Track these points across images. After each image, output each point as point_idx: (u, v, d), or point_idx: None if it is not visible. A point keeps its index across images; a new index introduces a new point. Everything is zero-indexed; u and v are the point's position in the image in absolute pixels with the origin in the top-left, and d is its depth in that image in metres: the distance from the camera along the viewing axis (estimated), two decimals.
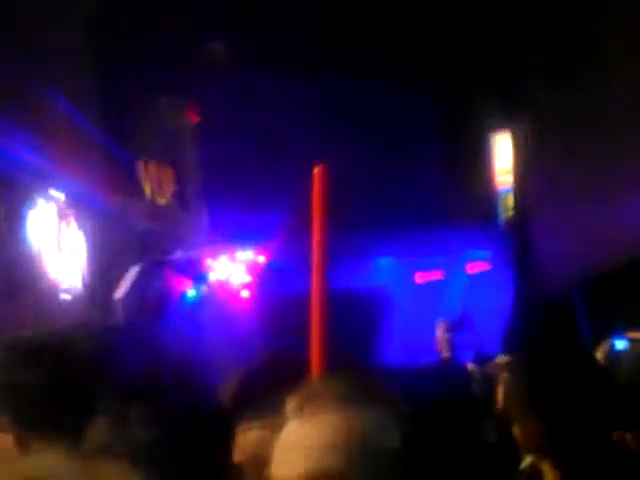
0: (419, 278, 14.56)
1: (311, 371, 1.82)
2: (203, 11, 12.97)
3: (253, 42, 13.04)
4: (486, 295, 13.31)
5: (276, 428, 1.41)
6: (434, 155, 14.28)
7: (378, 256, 14.47)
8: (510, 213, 13.99)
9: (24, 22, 9.88)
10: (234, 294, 13.26)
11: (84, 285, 11.04)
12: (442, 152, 14.37)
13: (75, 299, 10.74)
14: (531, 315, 12.50)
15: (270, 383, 2.29)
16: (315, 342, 1.82)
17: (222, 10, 13.03)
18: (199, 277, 13.04)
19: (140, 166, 12.78)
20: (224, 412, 2.08)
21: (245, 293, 13.37)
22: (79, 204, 10.94)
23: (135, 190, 12.58)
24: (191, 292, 13.00)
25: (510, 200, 14.00)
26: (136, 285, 11.16)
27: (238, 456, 2.14)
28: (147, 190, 12.94)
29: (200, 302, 12.95)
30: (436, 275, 14.54)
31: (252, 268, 13.40)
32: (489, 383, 5.86)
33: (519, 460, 3.33)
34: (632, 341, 5.49)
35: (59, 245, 10.56)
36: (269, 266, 13.44)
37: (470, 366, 6.73)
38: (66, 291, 10.67)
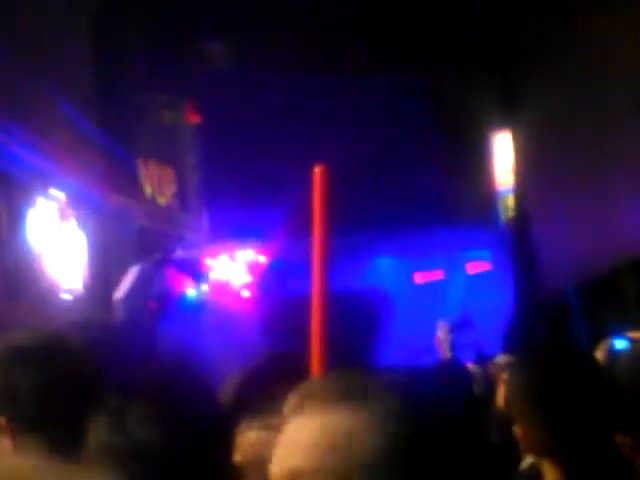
0: (419, 278, 14.56)
1: (311, 371, 1.82)
2: (203, 11, 12.98)
3: (253, 42, 13.04)
4: (486, 295, 13.32)
5: (276, 428, 1.41)
6: (434, 155, 14.28)
7: (378, 256, 14.47)
8: (510, 213, 13.99)
9: (25, 23, 9.87)
10: (234, 294, 13.26)
11: (84, 285, 11.04)
12: (442, 152, 14.37)
13: (75, 299, 10.74)
14: (531, 315, 12.50)
15: (270, 383, 2.29)
16: (315, 342, 1.82)
17: (222, 11, 13.02)
18: (199, 277, 13.04)
19: (140, 166, 12.79)
20: (223, 411, 2.08)
21: (245, 293, 13.37)
22: (80, 204, 10.93)
23: (135, 190, 12.58)
24: (191, 292, 13.00)
25: (510, 200, 14.00)
26: (136, 285, 11.15)
27: (238, 456, 2.14)
28: (147, 190, 12.95)
29: (200, 302, 12.95)
30: (436, 275, 14.55)
31: (253, 268, 13.40)
32: (490, 383, 5.86)
33: (519, 460, 3.33)
34: (632, 341, 5.49)
35: (59, 245, 10.56)
36: (270, 266, 13.45)
37: (471, 366, 6.73)
38: (66, 291, 10.67)
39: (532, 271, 13.20)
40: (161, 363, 2.19)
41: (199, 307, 12.81)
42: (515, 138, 13.54)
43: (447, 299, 13.80)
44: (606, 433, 2.67)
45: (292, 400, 1.38)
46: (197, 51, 13.50)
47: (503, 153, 13.97)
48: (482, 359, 7.15)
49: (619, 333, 5.77)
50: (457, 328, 7.93)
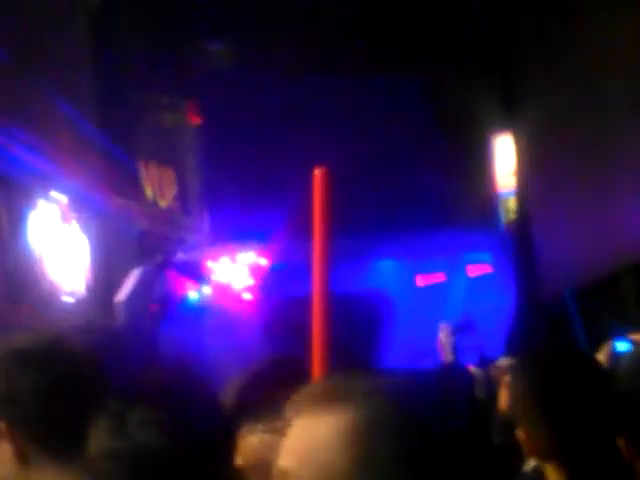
0: (420, 281, 14.56)
1: (312, 373, 1.81)
2: (203, 12, 12.98)
3: (253, 43, 13.04)
4: (488, 297, 13.31)
5: (279, 431, 1.41)
6: (435, 157, 14.28)
7: (379, 259, 14.47)
8: (511, 216, 13.99)
9: (25, 24, 9.87)
10: (236, 296, 13.26)
11: (86, 287, 11.04)
12: (443, 154, 14.37)
13: (77, 301, 10.74)
14: (532, 317, 12.50)
15: (272, 386, 2.28)
16: (316, 344, 1.81)
17: (222, 11, 13.03)
18: (201, 279, 13.04)
19: (141, 168, 12.79)
20: (225, 415, 2.07)
21: (247, 295, 13.37)
22: (81, 206, 10.93)
23: (136, 192, 12.58)
24: (193, 294, 13.00)
25: (511, 203, 14.00)
26: (138, 288, 11.15)
27: (240, 460, 2.14)
28: (148, 192, 12.94)
29: (202, 304, 12.95)
30: (437, 277, 14.55)
31: (254, 270, 13.40)
32: (491, 386, 5.85)
33: (522, 463, 3.32)
34: (634, 343, 5.48)
35: (61, 247, 10.56)
36: (271, 268, 13.45)
37: (473, 369, 6.72)
38: (68, 293, 10.67)
39: (533, 273, 13.19)
40: (162, 366, 2.18)
41: (200, 310, 12.81)
42: (516, 140, 13.53)
43: (448, 301, 13.80)
44: (608, 436, 2.66)
45: (294, 402, 1.37)
46: (197, 52, 13.51)
47: (504, 155, 13.96)
48: (484, 362, 7.14)
49: (621, 335, 5.76)
50: (459, 330, 7.91)
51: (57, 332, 2.26)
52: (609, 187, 11.06)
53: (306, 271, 1.91)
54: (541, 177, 12.71)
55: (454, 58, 13.90)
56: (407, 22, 13.63)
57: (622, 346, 5.40)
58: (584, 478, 2.65)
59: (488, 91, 13.68)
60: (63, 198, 10.56)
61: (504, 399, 5.01)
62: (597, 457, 2.65)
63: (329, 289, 1.83)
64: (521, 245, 13.65)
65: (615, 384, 2.82)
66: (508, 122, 13.64)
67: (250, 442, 2.26)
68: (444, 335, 7.82)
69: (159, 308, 11.79)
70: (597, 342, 5.48)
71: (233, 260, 13.33)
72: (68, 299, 10.64)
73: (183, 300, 12.80)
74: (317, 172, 1.85)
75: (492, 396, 5.52)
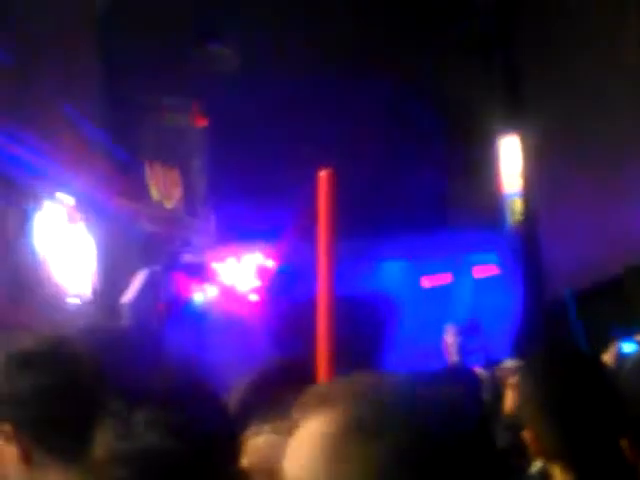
0: (426, 282, 14.54)
1: (318, 375, 1.81)
2: (210, 14, 12.99)
3: (257, 44, 13.05)
4: (494, 299, 13.30)
5: (285, 432, 1.40)
6: (440, 158, 14.27)
7: (385, 260, 14.46)
8: (517, 217, 13.97)
9: (29, 26, 9.88)
10: (242, 298, 13.26)
11: (92, 289, 11.05)
12: (449, 156, 14.36)
13: (83, 303, 10.75)
14: (539, 319, 12.49)
15: (278, 388, 2.28)
16: (321, 346, 1.81)
17: (227, 13, 13.04)
18: (206, 280, 13.04)
19: (147, 169, 12.80)
20: (231, 416, 2.07)
21: (253, 297, 13.37)
22: (87, 207, 10.94)
23: (142, 193, 12.59)
24: (199, 296, 13.00)
25: (517, 204, 13.99)
26: (144, 289, 11.16)
27: (246, 461, 2.14)
28: (154, 193, 12.95)
29: (208, 306, 12.95)
30: (443, 279, 14.53)
31: (260, 271, 13.40)
32: (497, 388, 5.85)
33: (528, 465, 3.32)
34: None
35: (68, 248, 10.57)
36: (278, 270, 13.44)
37: (479, 370, 6.71)
38: (74, 295, 10.68)
39: (540, 275, 13.18)
40: (168, 367, 2.18)
41: (206, 311, 12.81)
42: (523, 140, 13.52)
43: (454, 303, 13.78)
44: (613, 437, 2.67)
45: (301, 403, 1.37)
46: (202, 54, 13.51)
47: (509, 156, 13.95)
48: (490, 363, 7.13)
49: (627, 336, 5.77)
50: (465, 332, 7.91)
51: (60, 333, 2.27)
52: (616, 187, 11.05)
53: (312, 273, 1.91)
54: (547, 178, 12.70)
55: (458, 57, 13.89)
56: (408, 21, 13.63)
57: (628, 347, 5.40)
58: (590, 479, 2.65)
59: (494, 91, 13.68)
60: (69, 199, 10.57)
61: (510, 401, 5.01)
62: (603, 458, 2.65)
63: (334, 291, 1.82)
64: (527, 246, 13.64)
65: (620, 385, 2.83)
66: (514, 122, 13.63)
67: (256, 443, 2.26)
68: (450, 336, 7.81)
69: (165, 309, 11.79)
70: (603, 343, 5.49)
71: (239, 261, 13.33)
72: (74, 300, 10.65)
73: (189, 301, 12.80)
74: (322, 174, 1.85)
75: (498, 398, 5.52)
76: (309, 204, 1.97)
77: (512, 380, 5.01)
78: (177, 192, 13.47)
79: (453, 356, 7.73)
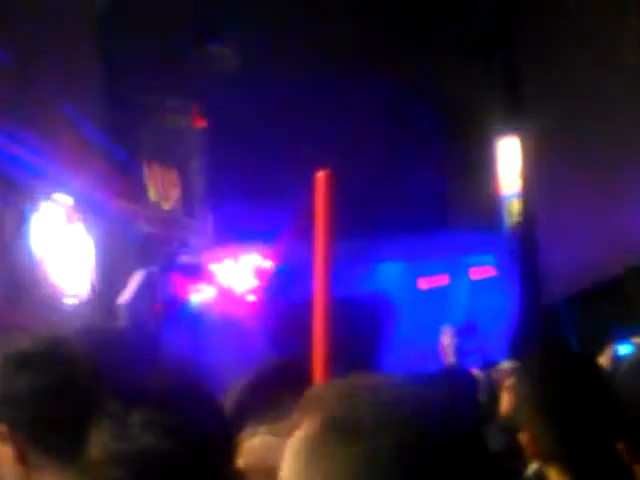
0: (423, 283, 14.54)
1: (315, 376, 1.81)
2: (209, 14, 12.99)
3: (257, 44, 13.05)
4: (491, 300, 13.30)
5: (283, 433, 1.41)
6: (438, 159, 14.27)
7: (382, 261, 14.46)
8: (515, 218, 13.97)
9: (29, 26, 9.88)
10: (239, 298, 13.25)
11: (89, 289, 11.04)
12: (449, 156, 14.36)
13: (80, 303, 10.74)
14: (536, 321, 12.49)
15: (274, 389, 2.28)
16: (318, 347, 1.81)
17: (227, 14, 13.04)
18: (204, 281, 13.03)
19: (145, 170, 12.79)
20: (227, 417, 2.07)
21: (251, 297, 13.36)
22: (85, 208, 10.94)
23: (140, 194, 12.59)
24: (196, 296, 12.99)
25: (515, 205, 13.99)
26: (141, 290, 11.15)
27: (242, 462, 2.14)
28: (152, 194, 12.95)
29: (205, 306, 12.94)
30: (440, 280, 14.53)
31: (258, 272, 13.39)
32: (493, 389, 5.85)
33: (524, 466, 3.32)
34: (637, 346, 5.48)
35: (65, 249, 10.57)
36: (275, 271, 13.44)
37: (476, 372, 6.71)
38: (72, 295, 10.67)
39: (537, 276, 13.18)
40: (164, 368, 2.18)
41: (204, 312, 12.80)
42: (522, 141, 13.52)
43: (451, 304, 13.79)
44: (609, 440, 2.67)
45: (299, 406, 1.38)
46: (201, 54, 13.51)
47: (507, 157, 13.95)
48: (486, 365, 7.14)
49: (624, 338, 5.76)
50: (461, 333, 7.91)
51: (57, 334, 2.27)
52: (615, 188, 11.04)
53: (310, 274, 1.91)
54: (546, 179, 12.70)
55: (458, 57, 13.89)
56: (408, 21, 13.63)
57: (625, 349, 5.40)
58: None
59: (494, 91, 13.68)
60: (67, 200, 10.56)
61: (506, 402, 5.01)
62: (600, 460, 2.66)
63: (331, 292, 1.82)
64: (525, 248, 13.64)
65: (616, 388, 2.83)
66: (513, 123, 13.63)
67: (252, 444, 2.26)
68: (446, 338, 7.82)
69: (162, 310, 11.79)
70: (603, 345, 5.48)
71: (236, 262, 13.33)
72: (71, 301, 10.64)
73: (186, 302, 12.80)
74: (319, 174, 1.85)
75: (494, 399, 5.52)
76: (307, 205, 1.97)
77: (508, 382, 5.01)
78: (175, 193, 13.47)
79: (450, 357, 7.73)
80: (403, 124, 13.93)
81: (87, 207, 10.99)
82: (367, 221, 12.93)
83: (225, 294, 13.15)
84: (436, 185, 14.12)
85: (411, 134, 13.97)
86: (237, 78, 13.37)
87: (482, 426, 4.57)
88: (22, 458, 2.06)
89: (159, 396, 1.91)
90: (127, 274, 11.33)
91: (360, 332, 11.77)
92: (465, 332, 7.95)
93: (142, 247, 12.28)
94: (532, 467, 3.19)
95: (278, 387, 2.28)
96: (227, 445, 1.96)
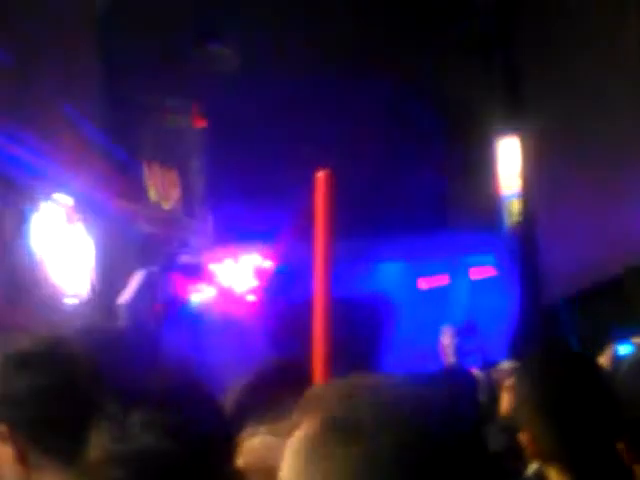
0: (423, 283, 14.54)
1: (314, 376, 1.81)
2: (209, 15, 12.99)
3: (257, 44, 13.05)
4: (491, 300, 13.30)
5: (283, 433, 1.41)
6: (438, 159, 14.27)
7: (382, 261, 14.45)
8: (515, 218, 13.97)
9: (29, 25, 9.88)
10: (239, 298, 13.25)
11: (89, 289, 11.04)
12: (447, 156, 14.36)
13: (80, 303, 10.74)
14: (536, 321, 12.49)
15: (274, 389, 2.28)
16: (318, 347, 1.81)
17: (227, 14, 13.04)
18: (204, 281, 13.03)
19: (145, 170, 12.79)
20: (227, 417, 2.07)
21: (251, 297, 13.36)
22: (85, 208, 10.94)
23: (140, 194, 12.59)
24: (196, 296, 12.99)
25: (515, 205, 13.98)
26: (141, 290, 11.15)
27: (242, 462, 2.14)
28: (152, 194, 12.95)
29: (205, 306, 12.94)
30: (440, 280, 14.53)
31: (258, 272, 13.39)
32: (494, 389, 5.85)
33: (524, 467, 3.32)
34: (637, 347, 5.48)
35: (65, 249, 10.57)
36: (275, 271, 13.44)
37: (476, 372, 6.71)
38: (72, 295, 10.67)
39: (537, 276, 13.17)
40: (164, 369, 2.18)
41: (204, 312, 12.80)
42: (522, 141, 13.51)
43: (451, 304, 13.78)
44: (609, 439, 2.67)
45: (298, 406, 1.38)
46: (202, 54, 13.51)
47: (507, 157, 13.95)
48: (486, 365, 7.13)
49: (624, 339, 5.76)
50: (461, 334, 7.90)
51: (57, 334, 2.27)
52: (615, 188, 11.04)
53: (310, 273, 1.91)
54: (546, 179, 12.70)
55: (458, 57, 13.89)
56: (408, 21, 13.63)
57: (625, 349, 5.40)
58: None
59: (494, 92, 13.68)
60: (67, 200, 10.56)
61: (506, 403, 5.01)
62: (600, 460, 2.66)
63: (331, 292, 1.82)
64: (525, 248, 13.64)
65: (616, 388, 2.83)
66: (513, 123, 13.63)
67: (252, 444, 2.26)
68: (446, 338, 7.81)
69: (162, 310, 11.78)
70: (603, 345, 5.48)
71: (236, 262, 13.32)
72: (71, 301, 10.64)
73: (186, 302, 12.79)
74: (319, 174, 1.85)
75: (494, 400, 5.52)
76: (307, 205, 1.97)
77: (508, 382, 5.01)
78: (175, 193, 13.47)
79: (450, 358, 7.73)
80: (403, 124, 13.93)
81: (87, 207, 10.99)
82: (367, 221, 12.93)
83: (225, 294, 13.15)
84: (436, 185, 14.12)
85: (411, 134, 13.97)
86: (237, 78, 13.37)
87: (482, 426, 4.57)
88: (22, 458, 2.06)
89: (159, 396, 1.91)
90: (127, 274, 11.33)
91: (360, 332, 11.77)
92: (465, 332, 7.95)
93: (142, 247, 12.27)
94: (532, 467, 3.19)
95: (278, 387, 2.28)
96: (227, 445, 1.96)
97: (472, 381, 6.03)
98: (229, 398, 2.36)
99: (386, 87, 13.82)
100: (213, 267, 13.20)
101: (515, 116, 13.50)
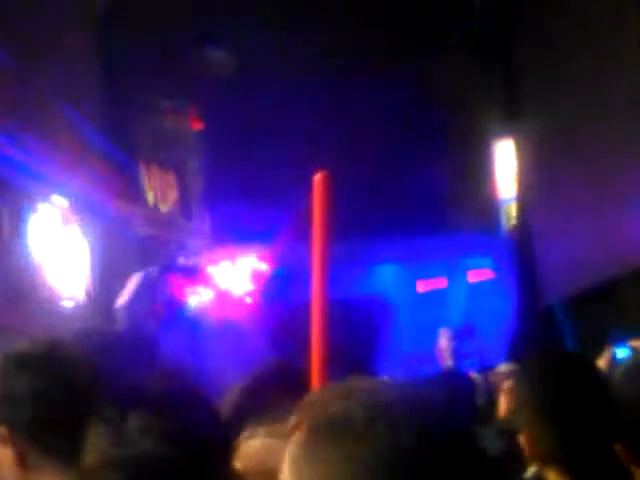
0: (421, 286, 14.54)
1: (312, 379, 1.81)
2: (207, 17, 12.99)
3: (255, 47, 13.05)
4: (488, 303, 13.30)
5: (281, 436, 1.40)
6: (436, 161, 14.26)
7: (380, 264, 14.45)
8: (512, 222, 13.98)
9: (28, 26, 9.88)
10: (236, 301, 13.24)
11: (86, 292, 11.04)
12: (444, 158, 14.35)
13: (77, 306, 10.73)
14: (533, 323, 12.49)
15: (272, 392, 2.28)
16: (315, 350, 1.81)
17: (225, 16, 13.04)
18: (201, 283, 13.02)
19: (143, 172, 12.79)
20: (224, 420, 2.07)
21: (248, 300, 13.35)
22: (82, 210, 10.93)
23: (137, 196, 12.58)
24: (194, 299, 12.98)
25: (512, 209, 13.99)
26: (139, 292, 11.14)
27: (240, 464, 2.13)
28: (149, 196, 12.94)
29: (202, 309, 12.93)
30: (438, 283, 14.53)
31: (255, 275, 13.38)
32: (491, 392, 5.84)
33: (523, 469, 3.32)
34: (634, 350, 5.48)
35: (62, 251, 10.56)
36: (273, 273, 13.43)
37: (473, 375, 6.71)
38: (69, 298, 10.66)
39: (534, 279, 13.18)
40: (162, 372, 2.17)
41: (201, 314, 12.79)
42: (518, 145, 13.52)
43: (449, 307, 13.78)
44: (607, 441, 2.67)
45: (298, 408, 1.38)
46: (200, 57, 13.51)
47: (505, 160, 13.95)
48: (484, 367, 7.13)
49: (621, 342, 5.76)
50: (459, 336, 7.91)
51: (55, 336, 2.27)
52: (613, 190, 11.04)
53: (307, 276, 1.90)
54: (545, 180, 12.70)
55: (458, 57, 13.90)
56: (408, 21, 13.64)
57: (622, 352, 5.40)
58: None
59: (494, 92, 13.68)
60: (64, 202, 10.55)
61: (504, 405, 5.01)
62: (598, 462, 2.66)
63: (328, 294, 1.82)
64: (522, 251, 13.64)
65: (613, 390, 2.83)
66: (510, 126, 13.63)
67: (251, 446, 2.26)
68: (444, 341, 7.81)
69: (160, 312, 11.78)
70: (600, 347, 5.49)
71: (234, 264, 13.31)
72: (68, 303, 10.63)
73: (184, 304, 12.79)
74: (317, 176, 1.85)
75: (492, 402, 5.52)
76: (305, 206, 1.96)
77: (506, 384, 5.01)
78: (173, 195, 13.46)
79: (447, 360, 7.73)
80: (403, 124, 13.92)
81: (84, 209, 10.99)
82: (365, 223, 12.92)
83: (222, 296, 13.14)
84: (434, 188, 14.11)
85: (411, 134, 13.96)
86: (235, 80, 13.37)
87: (480, 429, 4.56)
88: (22, 459, 2.06)
89: (157, 401, 1.91)
90: (125, 276, 11.32)
91: (358, 334, 11.76)
92: (463, 335, 7.96)
93: (140, 249, 12.27)
94: (531, 469, 3.18)
95: (276, 389, 2.28)
96: (224, 449, 1.96)
97: (470, 384, 6.02)
98: (227, 400, 2.36)
99: (386, 87, 13.82)
100: (211, 269, 13.19)
101: (515, 116, 13.51)
